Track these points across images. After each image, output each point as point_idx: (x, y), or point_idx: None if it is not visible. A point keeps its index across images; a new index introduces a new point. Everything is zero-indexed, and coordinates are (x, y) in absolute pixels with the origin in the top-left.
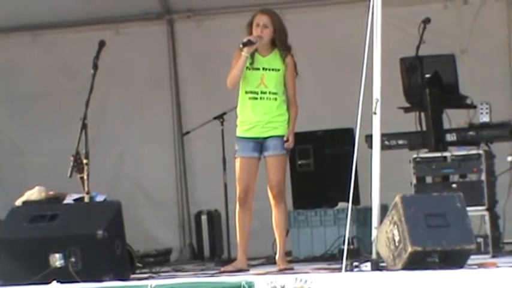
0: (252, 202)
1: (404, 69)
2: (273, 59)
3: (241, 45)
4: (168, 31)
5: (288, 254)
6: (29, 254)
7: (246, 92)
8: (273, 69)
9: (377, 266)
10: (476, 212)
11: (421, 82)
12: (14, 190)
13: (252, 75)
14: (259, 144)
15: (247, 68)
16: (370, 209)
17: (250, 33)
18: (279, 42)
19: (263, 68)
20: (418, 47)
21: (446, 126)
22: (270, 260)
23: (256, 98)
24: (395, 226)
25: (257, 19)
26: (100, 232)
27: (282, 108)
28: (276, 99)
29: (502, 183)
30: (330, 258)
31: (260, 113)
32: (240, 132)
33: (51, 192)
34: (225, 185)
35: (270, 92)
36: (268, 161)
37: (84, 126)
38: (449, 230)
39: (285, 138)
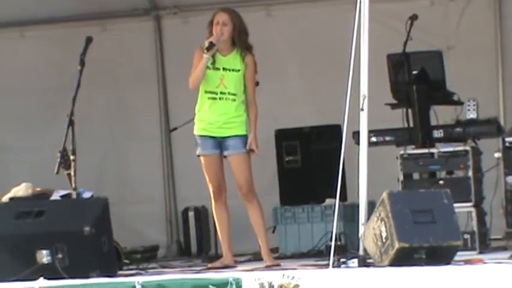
0: (226, 196)
1: (391, 66)
2: (233, 59)
3: (205, 50)
4: (155, 27)
5: (275, 250)
6: (16, 251)
7: (206, 92)
8: (233, 70)
9: (364, 262)
10: (463, 209)
11: (408, 78)
12: (0, 187)
13: (213, 75)
14: (218, 142)
15: (208, 67)
16: (358, 206)
17: (211, 31)
18: (239, 41)
19: (223, 68)
20: (405, 44)
21: (433, 122)
22: (257, 257)
23: (215, 98)
24: (383, 222)
25: (217, 17)
26: (87, 228)
27: (241, 109)
28: (234, 100)
29: (489, 179)
30: (317, 255)
31: (218, 113)
32: (197, 130)
33: (38, 189)
34: None
35: (229, 93)
36: (230, 161)
37: (71, 123)
38: (436, 226)
39: (247, 147)
